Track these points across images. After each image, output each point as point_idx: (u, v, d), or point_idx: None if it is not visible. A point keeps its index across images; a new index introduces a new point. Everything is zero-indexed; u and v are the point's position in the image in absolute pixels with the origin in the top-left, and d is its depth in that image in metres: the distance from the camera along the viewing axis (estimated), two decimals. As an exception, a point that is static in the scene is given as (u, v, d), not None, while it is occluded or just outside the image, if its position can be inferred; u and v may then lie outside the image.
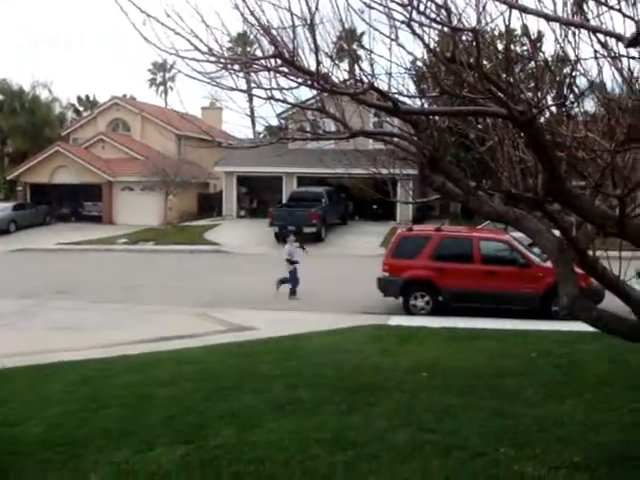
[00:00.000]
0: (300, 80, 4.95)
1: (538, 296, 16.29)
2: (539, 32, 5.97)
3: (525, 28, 4.52)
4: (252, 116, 7.76)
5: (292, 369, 11.06)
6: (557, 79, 5.46)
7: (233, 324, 15.88)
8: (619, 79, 5.16)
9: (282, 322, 15.60)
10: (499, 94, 4.31)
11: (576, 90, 6.00)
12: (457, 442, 7.60)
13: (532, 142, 4.84)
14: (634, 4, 3.08)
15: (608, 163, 5.13)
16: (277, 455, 7.34)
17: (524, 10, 3.33)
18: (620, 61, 5.01)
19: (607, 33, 3.26)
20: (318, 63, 4.33)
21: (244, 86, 6.82)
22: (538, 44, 7.17)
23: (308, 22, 4.16)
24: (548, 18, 3.25)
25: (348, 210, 38.77)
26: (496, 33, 5.52)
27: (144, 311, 17.57)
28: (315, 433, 7.95)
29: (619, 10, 3.27)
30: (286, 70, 4.79)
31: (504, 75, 4.75)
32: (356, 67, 5.24)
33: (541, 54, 6.77)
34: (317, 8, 4.29)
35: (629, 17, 3.25)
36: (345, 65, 6.29)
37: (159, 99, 75.06)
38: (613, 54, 4.86)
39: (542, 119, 6.53)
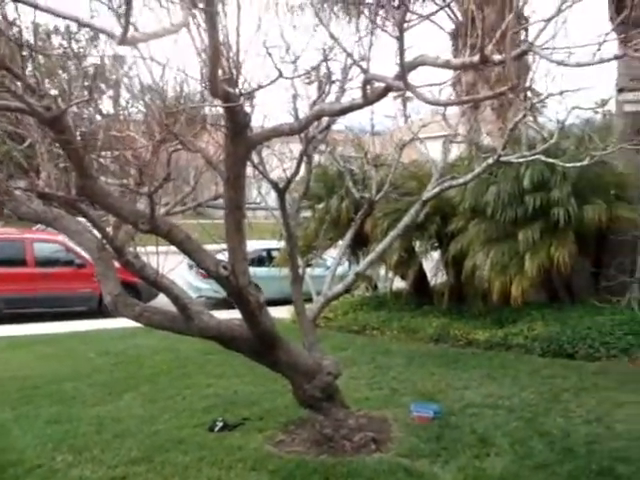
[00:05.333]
0: None
1: (96, 296, 16.24)
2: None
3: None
4: None
5: None
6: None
7: None
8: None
9: None
10: (14, 87, 4.09)
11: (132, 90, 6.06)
12: (12, 458, 7.15)
13: (61, 140, 4.71)
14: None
15: (144, 162, 5.25)
16: None
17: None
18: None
19: (97, 30, 3.27)
20: None
21: None
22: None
23: None
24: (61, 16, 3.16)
25: None
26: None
27: None
28: None
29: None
30: None
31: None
32: None
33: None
34: None
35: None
36: None
37: None
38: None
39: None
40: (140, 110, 5.94)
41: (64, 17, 3.30)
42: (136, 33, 3.00)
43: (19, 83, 4.30)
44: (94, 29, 3.39)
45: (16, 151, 6.48)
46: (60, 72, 5.65)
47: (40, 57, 5.25)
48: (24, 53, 4.66)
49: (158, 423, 8.12)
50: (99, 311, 16.15)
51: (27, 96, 4.14)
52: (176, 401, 9.07)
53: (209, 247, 6.31)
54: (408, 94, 5.09)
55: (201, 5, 3.62)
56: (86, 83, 5.37)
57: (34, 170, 6.05)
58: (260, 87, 4.59)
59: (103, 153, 6.17)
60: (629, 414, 8.24)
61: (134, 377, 10.40)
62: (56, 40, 36.26)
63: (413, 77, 5.66)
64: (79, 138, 5.21)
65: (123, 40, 2.93)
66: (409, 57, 4.65)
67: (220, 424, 7.89)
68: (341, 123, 8.35)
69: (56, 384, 10.05)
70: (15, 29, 4.27)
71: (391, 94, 6.05)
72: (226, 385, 9.77)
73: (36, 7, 3.16)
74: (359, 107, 4.93)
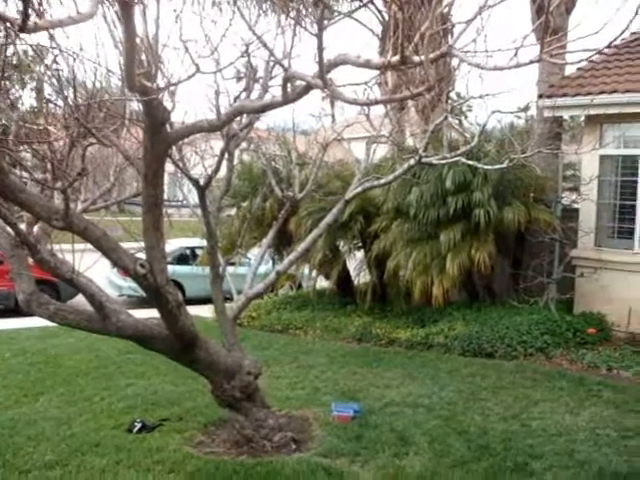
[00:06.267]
0: None
1: (13, 294, 15.72)
2: None
3: None
4: None
5: None
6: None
7: None
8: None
9: None
10: None
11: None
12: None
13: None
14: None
15: (60, 157, 5.10)
16: None
17: None
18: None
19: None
20: None
21: None
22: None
23: None
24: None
25: None
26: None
27: None
28: None
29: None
30: None
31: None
32: None
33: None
34: None
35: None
36: None
37: None
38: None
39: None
40: (56, 104, 5.79)
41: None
42: (39, 20, 2.88)
43: None
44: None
45: None
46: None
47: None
48: None
49: (75, 425, 7.93)
50: (17, 310, 15.67)
51: None
52: (94, 402, 8.87)
53: (133, 245, 6.18)
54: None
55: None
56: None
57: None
58: (178, 82, 4.51)
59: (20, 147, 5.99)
60: (544, 411, 8.45)
61: (51, 378, 10.12)
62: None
63: (339, 76, 5.67)
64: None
65: (24, 27, 2.81)
66: (331, 55, 4.66)
67: (139, 425, 7.74)
68: (265, 122, 8.30)
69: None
70: None
71: (320, 94, 6.05)
72: (146, 385, 9.60)
73: None
74: (279, 105, 4.90)
